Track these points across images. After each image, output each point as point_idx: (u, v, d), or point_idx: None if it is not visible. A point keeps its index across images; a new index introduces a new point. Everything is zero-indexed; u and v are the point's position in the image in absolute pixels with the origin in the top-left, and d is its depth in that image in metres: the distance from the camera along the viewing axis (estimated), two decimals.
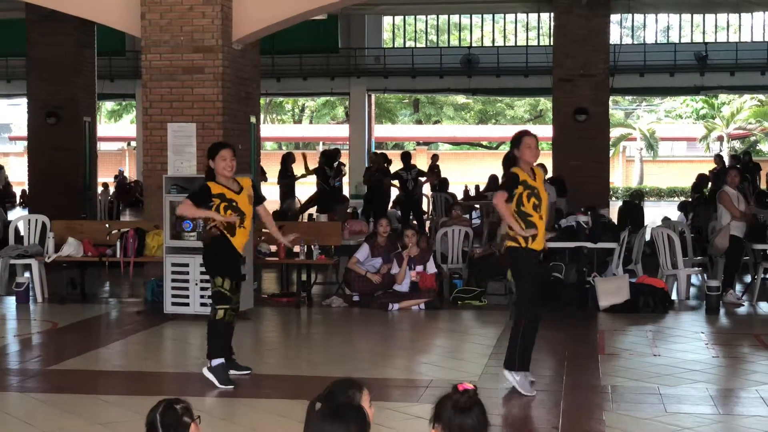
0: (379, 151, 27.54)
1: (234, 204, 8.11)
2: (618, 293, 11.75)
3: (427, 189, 22.90)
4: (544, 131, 36.38)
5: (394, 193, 21.49)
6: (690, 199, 22.20)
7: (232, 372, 8.15)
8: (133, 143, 42.98)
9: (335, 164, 20.41)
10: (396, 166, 21.57)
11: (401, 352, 10.02)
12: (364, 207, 20.87)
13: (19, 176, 36.33)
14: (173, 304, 11.31)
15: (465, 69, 32.30)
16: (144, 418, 4.00)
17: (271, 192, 20.10)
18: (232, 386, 7.98)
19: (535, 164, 7.91)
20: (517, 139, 7.87)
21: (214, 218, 8.07)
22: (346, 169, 22.92)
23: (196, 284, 11.18)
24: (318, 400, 3.60)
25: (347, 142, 35.60)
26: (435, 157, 25.88)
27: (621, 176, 47.95)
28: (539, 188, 7.84)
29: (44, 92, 20.77)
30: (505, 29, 45.26)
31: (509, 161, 7.88)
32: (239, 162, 12.78)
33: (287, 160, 20.27)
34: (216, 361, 8.08)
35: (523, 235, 7.69)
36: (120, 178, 35.62)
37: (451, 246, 13.82)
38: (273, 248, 12.50)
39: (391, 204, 21.64)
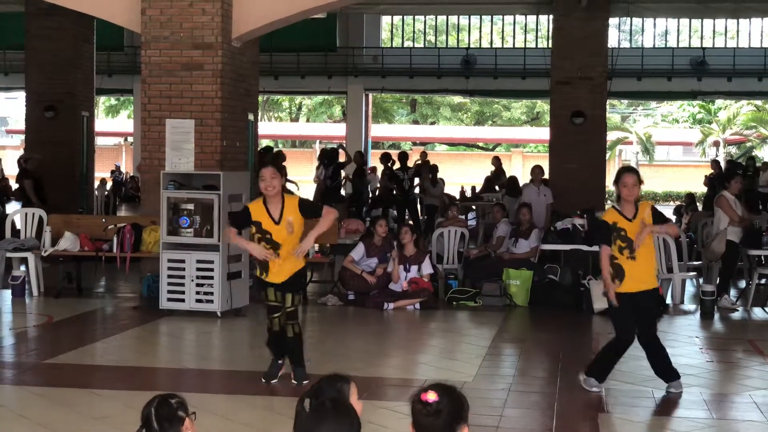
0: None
1: (268, 236, 7.78)
2: None
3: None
4: (541, 134, 36.42)
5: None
6: (685, 203, 22.24)
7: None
8: (131, 139, 42.89)
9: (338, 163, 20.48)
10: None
11: (396, 351, 10.04)
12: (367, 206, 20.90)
13: (15, 169, 36.18)
14: (169, 299, 11.31)
15: (463, 70, 32.26)
16: (139, 413, 4.01)
17: None
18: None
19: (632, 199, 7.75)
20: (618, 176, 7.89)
21: (251, 253, 8.06)
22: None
23: (192, 280, 11.19)
24: (307, 396, 3.55)
25: (344, 141, 35.56)
26: (423, 154, 24.54)
27: None
28: (630, 228, 7.71)
29: (42, 86, 20.70)
30: (503, 31, 45.32)
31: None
32: (236, 160, 12.90)
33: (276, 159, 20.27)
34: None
35: (609, 290, 7.70)
36: (116, 173, 35.60)
37: (446, 247, 13.84)
38: None
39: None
